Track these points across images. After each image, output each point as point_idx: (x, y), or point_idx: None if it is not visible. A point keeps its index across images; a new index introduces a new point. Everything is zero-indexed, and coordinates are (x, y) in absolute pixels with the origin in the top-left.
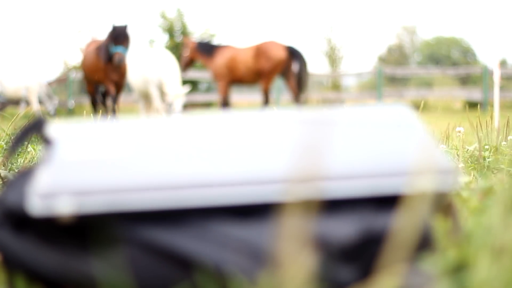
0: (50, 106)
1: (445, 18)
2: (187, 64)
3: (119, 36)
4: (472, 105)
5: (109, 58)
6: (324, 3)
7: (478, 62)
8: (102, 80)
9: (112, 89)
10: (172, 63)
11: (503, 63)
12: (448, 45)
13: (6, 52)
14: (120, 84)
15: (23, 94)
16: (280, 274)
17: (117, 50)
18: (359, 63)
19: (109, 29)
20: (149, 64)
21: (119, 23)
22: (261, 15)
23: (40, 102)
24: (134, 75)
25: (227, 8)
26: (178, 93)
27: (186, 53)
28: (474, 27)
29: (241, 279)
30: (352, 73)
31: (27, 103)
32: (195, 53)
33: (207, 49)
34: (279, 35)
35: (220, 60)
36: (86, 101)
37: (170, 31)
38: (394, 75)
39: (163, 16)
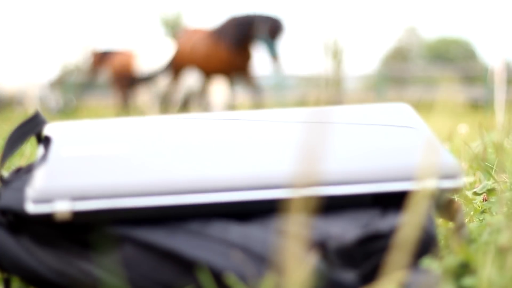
0: (53, 105)
1: (448, 18)
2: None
3: (279, 32)
4: (475, 105)
5: (238, 47)
6: (326, 3)
7: (482, 62)
8: (225, 72)
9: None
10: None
11: (507, 64)
12: (452, 46)
13: (4, 52)
14: (249, 76)
15: (21, 94)
16: (281, 277)
17: (277, 50)
18: (362, 63)
19: (263, 20)
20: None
21: (275, 15)
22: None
23: (42, 101)
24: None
25: (227, 7)
26: (223, 102)
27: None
28: (478, 27)
29: (241, 281)
30: (354, 76)
31: (23, 103)
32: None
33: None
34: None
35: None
36: (87, 101)
37: (175, 32)
38: (396, 75)
39: (165, 20)
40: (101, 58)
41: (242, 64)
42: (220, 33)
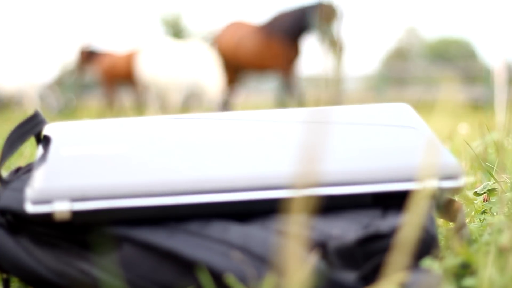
0: (53, 105)
1: (449, 19)
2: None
3: (333, 16)
4: (475, 105)
5: (289, 43)
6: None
7: (482, 62)
8: (274, 67)
9: (289, 77)
10: (213, 63)
11: (508, 64)
12: (452, 46)
13: (3, 52)
14: (293, 70)
15: (21, 94)
16: (282, 277)
17: (334, 35)
18: (362, 63)
19: (314, 8)
20: (181, 61)
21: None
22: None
23: (42, 101)
24: (157, 71)
25: (227, 6)
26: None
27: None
28: (479, 28)
29: (241, 281)
30: (354, 76)
31: (22, 104)
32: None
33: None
34: None
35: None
36: (87, 101)
37: (175, 32)
38: (396, 75)
39: (165, 20)
40: (89, 56)
41: (290, 60)
42: (272, 29)
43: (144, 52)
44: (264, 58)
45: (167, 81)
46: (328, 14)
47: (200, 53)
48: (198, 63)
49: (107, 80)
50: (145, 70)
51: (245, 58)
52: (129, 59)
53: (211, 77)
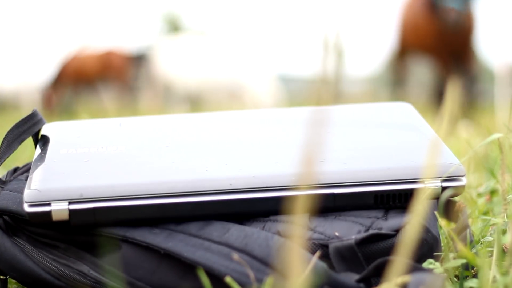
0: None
1: None
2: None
3: None
4: (477, 105)
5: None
6: (328, 3)
7: (484, 62)
8: (431, 51)
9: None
10: (254, 62)
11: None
12: None
13: (1, 52)
14: (464, 58)
15: (19, 95)
16: (283, 279)
17: (452, 3)
18: (363, 63)
19: None
20: (216, 59)
21: None
22: (261, 13)
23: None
24: (186, 70)
25: (226, 6)
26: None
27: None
28: (480, 28)
29: (242, 284)
30: (355, 76)
31: (20, 105)
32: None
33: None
34: (279, 32)
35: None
36: (87, 101)
37: (175, 29)
38: (397, 75)
39: (167, 19)
40: (51, 95)
41: (456, 40)
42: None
43: (165, 49)
44: (443, 39)
45: (198, 81)
46: None
47: (235, 49)
48: (239, 62)
49: (72, 83)
50: (167, 69)
51: (421, 43)
52: (103, 59)
53: (253, 75)
